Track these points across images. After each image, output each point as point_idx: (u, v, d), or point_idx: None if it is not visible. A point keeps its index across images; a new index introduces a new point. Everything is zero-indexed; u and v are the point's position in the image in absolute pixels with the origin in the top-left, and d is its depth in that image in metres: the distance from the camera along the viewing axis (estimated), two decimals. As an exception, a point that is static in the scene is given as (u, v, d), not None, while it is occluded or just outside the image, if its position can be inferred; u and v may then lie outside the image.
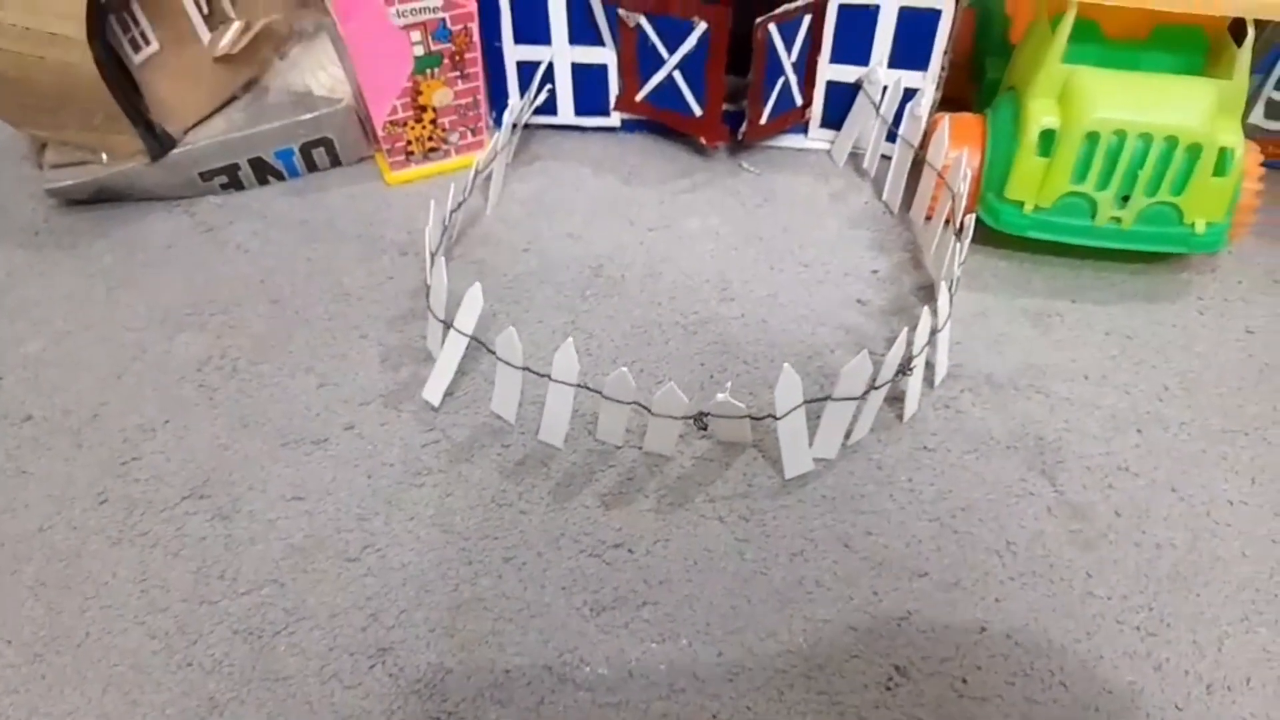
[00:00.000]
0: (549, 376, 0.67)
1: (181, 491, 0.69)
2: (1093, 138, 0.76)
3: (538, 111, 0.99)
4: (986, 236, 0.85)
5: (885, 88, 0.92)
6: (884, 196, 0.93)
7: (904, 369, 0.68)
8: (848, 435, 0.70)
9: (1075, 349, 0.78)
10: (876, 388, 0.66)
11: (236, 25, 0.94)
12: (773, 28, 0.86)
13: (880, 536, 0.66)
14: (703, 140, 0.98)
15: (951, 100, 0.94)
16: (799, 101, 0.96)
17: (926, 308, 0.69)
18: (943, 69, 0.90)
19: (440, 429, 0.73)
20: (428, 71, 0.91)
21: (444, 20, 0.88)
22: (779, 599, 0.62)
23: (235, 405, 0.75)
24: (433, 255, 0.75)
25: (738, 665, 0.59)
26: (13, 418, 0.75)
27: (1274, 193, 0.84)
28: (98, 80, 0.81)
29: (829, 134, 0.99)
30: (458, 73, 0.93)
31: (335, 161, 0.99)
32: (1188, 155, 0.75)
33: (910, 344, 0.67)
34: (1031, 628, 0.60)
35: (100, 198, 0.94)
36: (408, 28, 0.87)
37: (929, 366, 0.74)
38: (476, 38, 0.91)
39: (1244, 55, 0.75)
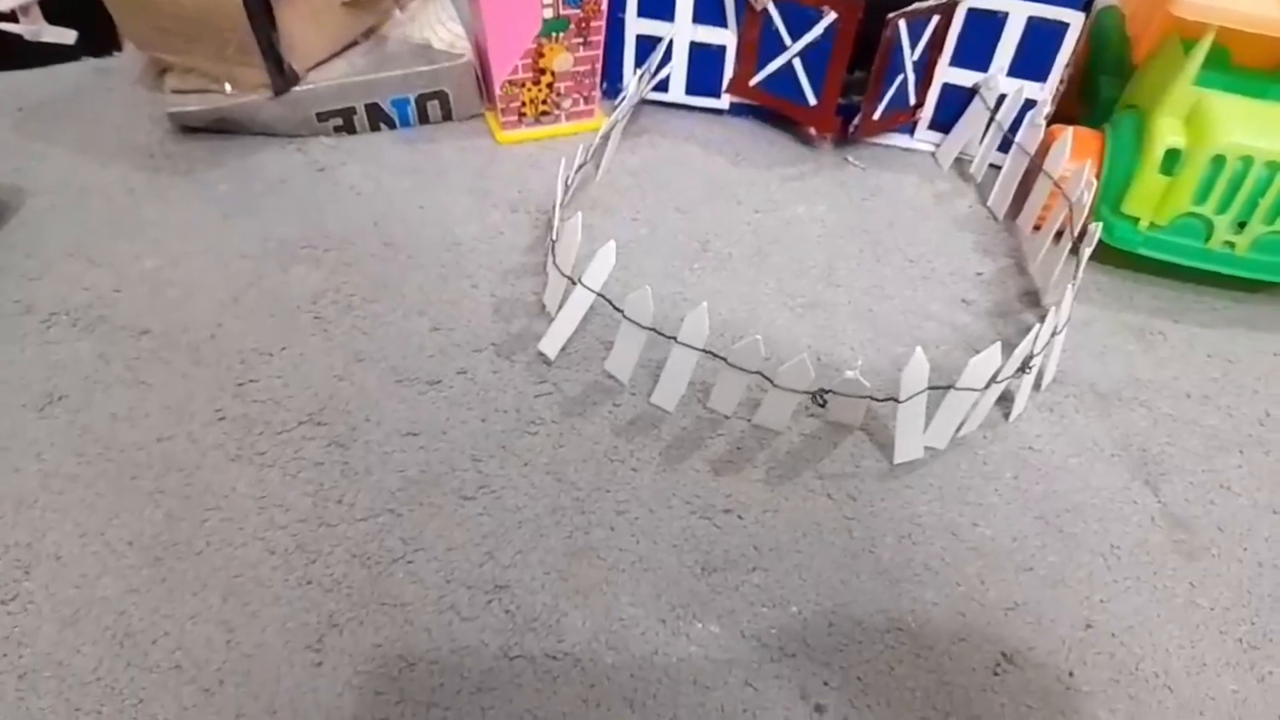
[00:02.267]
0: (675, 339, 0.68)
1: (298, 416, 0.70)
2: (1218, 161, 0.77)
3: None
4: (1091, 251, 0.86)
5: (1003, 95, 0.92)
6: (989, 202, 0.94)
7: (1024, 367, 0.69)
8: (959, 428, 0.70)
9: (1178, 367, 0.79)
10: (998, 381, 0.67)
11: (367, -29, 0.95)
12: (902, 24, 0.87)
13: (986, 528, 0.66)
14: (813, 130, 0.99)
15: (1059, 115, 0.94)
16: (913, 101, 0.97)
17: (1051, 308, 0.70)
18: (1061, 82, 0.91)
19: (552, 382, 0.74)
20: (553, 35, 0.92)
21: (578, -15, 0.89)
22: (887, 578, 0.63)
23: (350, 339, 0.76)
24: (559, 211, 0.76)
25: (847, 637, 0.60)
26: (131, 330, 0.76)
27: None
28: (241, 10, 0.82)
29: (935, 136, 1.00)
30: (581, 39, 0.94)
31: (447, 115, 1.00)
32: (1312, 187, 0.76)
33: (1034, 342, 0.68)
34: (1136, 629, 0.61)
35: (218, 127, 0.95)
36: (542, -11, 0.88)
37: (1038, 371, 0.75)
38: (605, 5, 0.92)
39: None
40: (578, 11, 0.91)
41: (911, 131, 1.01)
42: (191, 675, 0.56)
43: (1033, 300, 0.84)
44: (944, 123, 0.99)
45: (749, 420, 0.72)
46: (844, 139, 0.99)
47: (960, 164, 0.99)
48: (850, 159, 0.99)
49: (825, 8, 0.88)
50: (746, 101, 1.02)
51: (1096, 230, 0.77)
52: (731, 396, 0.70)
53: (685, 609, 0.61)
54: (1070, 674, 0.59)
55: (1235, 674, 0.60)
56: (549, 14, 0.90)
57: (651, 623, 0.60)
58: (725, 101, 1.02)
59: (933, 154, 1.01)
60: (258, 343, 0.75)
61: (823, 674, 0.58)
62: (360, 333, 0.77)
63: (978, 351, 0.75)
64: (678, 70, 1.00)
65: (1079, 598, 0.63)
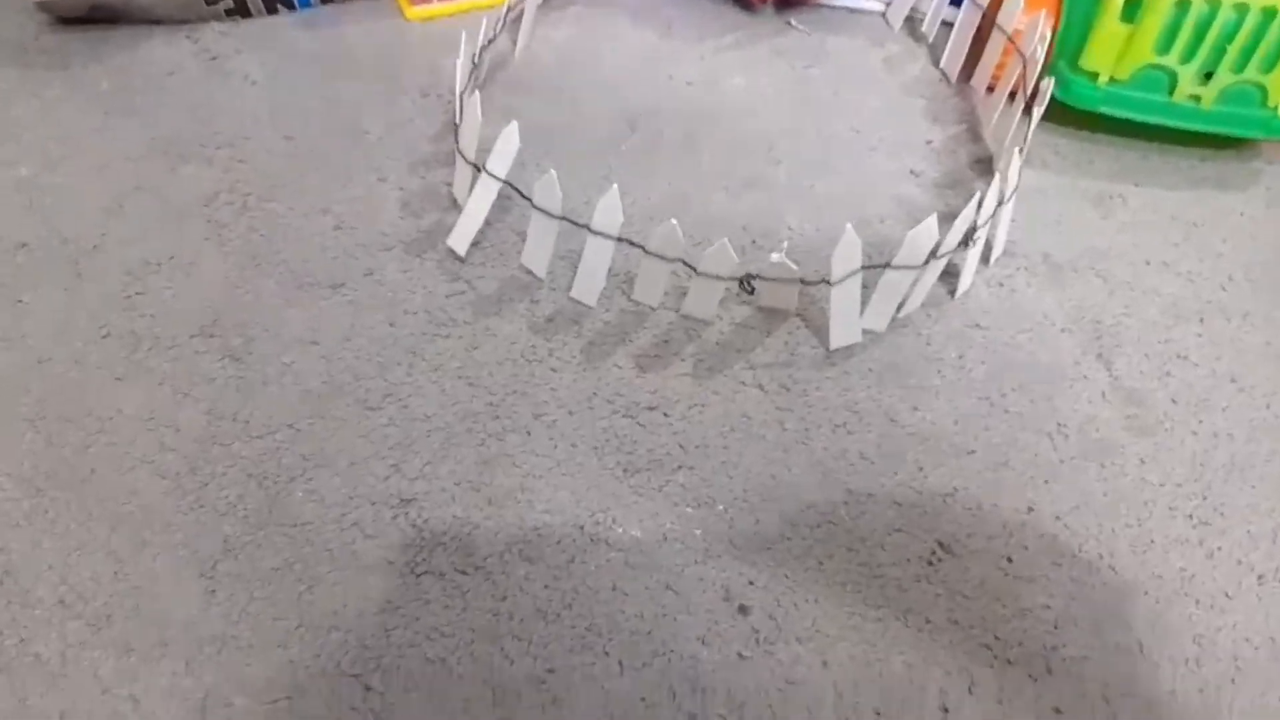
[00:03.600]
0: (589, 228, 0.62)
1: (190, 329, 0.65)
2: (1183, 5, 0.70)
3: (572, -50, 0.92)
4: (1048, 113, 0.79)
5: (954, -58, 0.84)
6: (942, 64, 0.87)
7: (967, 239, 0.64)
8: (899, 308, 0.66)
9: (1138, 233, 0.74)
10: (938, 257, 0.62)
11: None
12: None
13: (927, 413, 0.63)
14: (751, -8, 0.91)
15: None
16: (858, -47, 0.89)
17: (997, 174, 0.64)
18: (1018, -76, 0.83)
19: (466, 280, 0.68)
20: (456, -107, 0.83)
21: None
22: (820, 470, 0.60)
23: (246, 243, 0.70)
24: (462, 94, 0.69)
25: (776, 534, 0.57)
26: (6, 244, 0.70)
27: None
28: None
29: (885, -6, 0.92)
30: (488, -103, 0.85)
31: (350, -7, 0.91)
32: (1285, 27, 0.70)
33: (977, 212, 0.63)
34: (1081, 510, 0.58)
35: (94, 16, 0.86)
36: None
37: (984, 243, 0.70)
38: None
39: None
40: None
41: (859, -11, 0.93)
42: (77, 610, 0.53)
43: (985, 168, 0.78)
44: (893, -22, 0.90)
45: (677, 311, 0.67)
46: (786, 2, 0.91)
47: (912, 23, 0.92)
48: (793, 23, 0.92)
49: None
50: (679, -37, 0.93)
51: (1049, 87, 0.70)
52: (655, 287, 0.65)
53: (605, 514, 0.57)
54: (1009, 559, 0.56)
55: (1183, 551, 0.57)
56: None
57: (568, 530, 0.56)
58: (656, -35, 0.94)
59: (883, 14, 0.93)
60: (145, 252, 0.69)
61: (749, 573, 0.55)
62: (257, 235, 0.71)
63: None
64: (601, -69, 0.91)
65: (1022, 480, 0.60)
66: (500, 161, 0.65)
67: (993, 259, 0.70)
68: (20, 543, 0.55)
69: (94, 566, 0.54)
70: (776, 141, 0.80)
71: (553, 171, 0.61)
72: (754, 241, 0.72)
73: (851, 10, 0.93)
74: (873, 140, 0.80)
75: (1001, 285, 0.70)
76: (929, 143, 0.80)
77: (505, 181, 0.65)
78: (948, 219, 0.66)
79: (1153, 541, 0.57)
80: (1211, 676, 0.52)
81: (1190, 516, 0.58)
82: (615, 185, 0.59)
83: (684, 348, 0.65)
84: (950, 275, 0.69)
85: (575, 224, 0.63)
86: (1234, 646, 0.53)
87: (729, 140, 0.80)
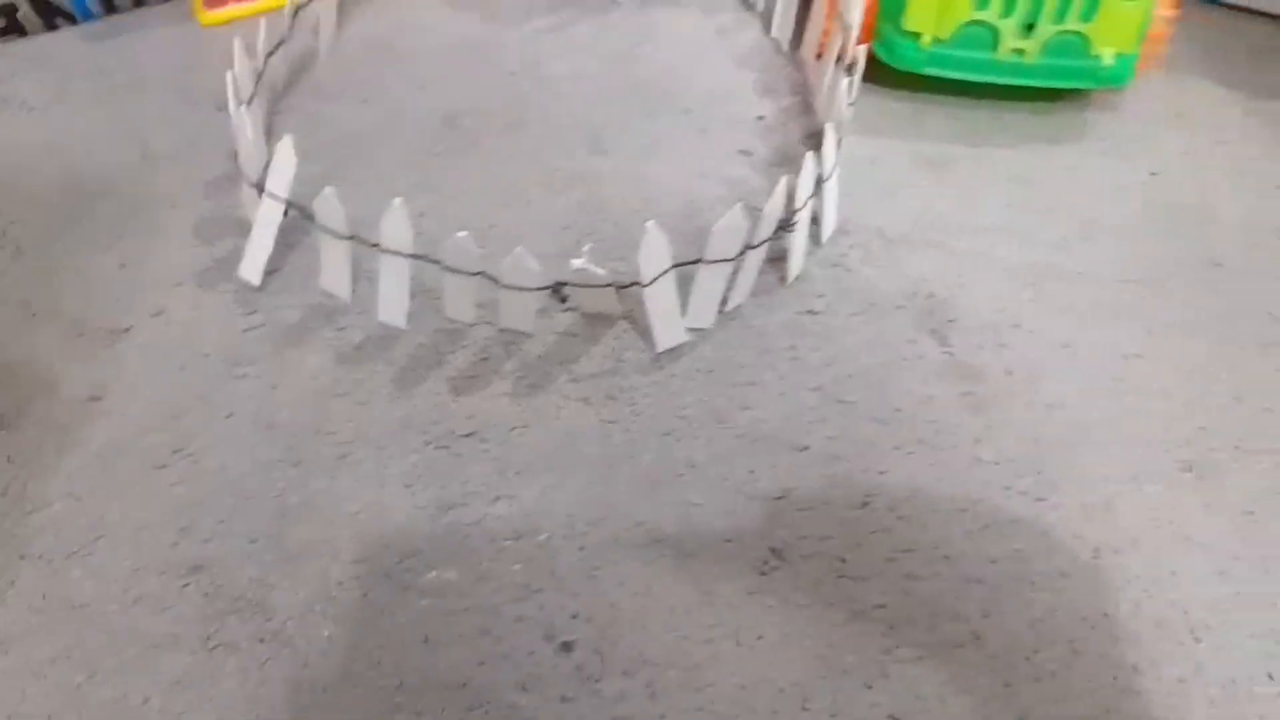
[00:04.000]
0: (378, 246, 0.58)
1: (-47, 396, 0.59)
2: (996, -44, 0.68)
3: (377, -64, 0.86)
4: (881, 76, 0.77)
5: (772, -97, 0.81)
6: (773, 32, 0.83)
7: (785, 225, 0.61)
8: (724, 302, 0.63)
9: (972, 197, 0.72)
10: (754, 247, 0.59)
11: None
12: None
13: (759, 410, 0.60)
14: (569, -31, 0.86)
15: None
16: (677, -79, 0.84)
17: (810, 155, 0.62)
18: (836, -120, 0.79)
19: (264, 311, 0.63)
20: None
21: None
22: (648, 484, 0.57)
23: (20, 291, 0.64)
24: (241, 106, 0.64)
25: (601, 560, 0.54)
26: None
27: (1186, 22, 0.78)
28: None
29: (713, -39, 0.88)
30: (271, -114, 0.78)
31: (139, 0, 0.84)
32: (1098, -26, 0.68)
33: (793, 196, 0.60)
34: (916, 500, 0.56)
35: None
36: None
37: (815, 222, 0.68)
38: None
39: None
40: None
41: (687, -42, 0.89)
42: None
43: (818, 142, 0.75)
44: (719, -56, 0.87)
45: (494, 325, 0.63)
46: (609, -24, 0.87)
47: (743, -9, 0.88)
48: (619, -1, 0.87)
49: None
50: (495, -57, 0.88)
51: (861, 53, 0.68)
52: (464, 302, 0.61)
53: (416, 558, 0.53)
54: (843, 560, 0.54)
55: (1018, 531, 0.55)
56: None
57: (375, 580, 0.52)
58: (471, -54, 0.88)
59: (713, -18, 0.89)
60: (-99, 312, 0.63)
61: (571, 606, 0.52)
62: (34, 281, 0.64)
63: (755, 208, 0.67)
64: (407, -87, 0.85)
65: (856, 473, 0.57)
66: (280, 179, 0.60)
67: (824, 238, 0.68)
68: None
69: None
70: (602, 130, 0.76)
71: (329, 188, 0.56)
72: (578, 241, 0.68)
73: (681, -20, 0.89)
74: (703, 121, 0.77)
75: (835, 265, 0.67)
76: (760, 118, 0.77)
77: (287, 201, 0.60)
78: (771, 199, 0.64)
79: (987, 525, 0.55)
80: (1048, 663, 0.50)
81: (1025, 494, 0.57)
82: (398, 200, 0.55)
83: (503, 364, 0.61)
84: (783, 260, 0.66)
85: (365, 243, 0.58)
86: (1070, 628, 0.52)
87: (552, 132, 0.75)
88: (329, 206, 0.57)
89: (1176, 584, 0.53)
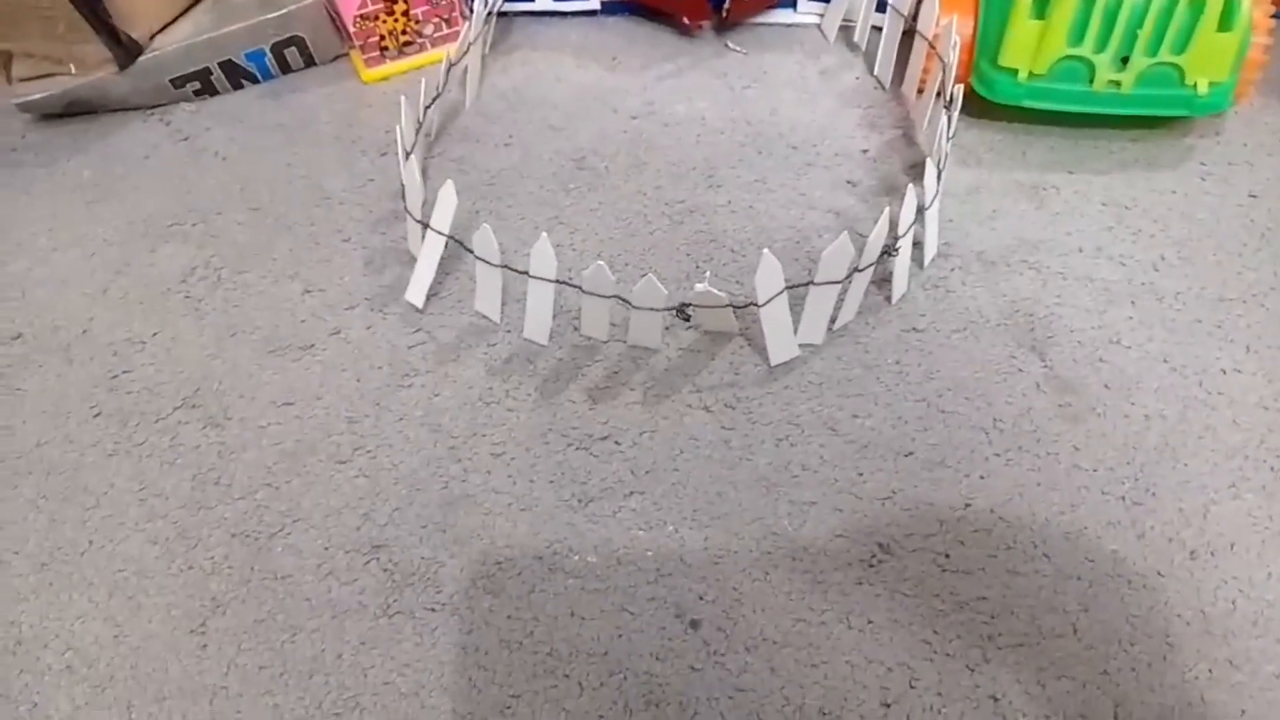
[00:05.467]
0: (527, 273, 0.66)
1: (173, 401, 0.70)
2: (1090, -2, 0.72)
3: (514, -2, 0.96)
4: (983, 109, 0.82)
5: (875, -47, 0.87)
6: (875, 71, 0.89)
7: (889, 250, 0.67)
8: (833, 320, 0.69)
9: (1070, 221, 0.76)
10: (860, 270, 0.65)
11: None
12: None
13: (866, 419, 0.65)
14: (685, 20, 0.94)
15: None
16: (785, -28, 0.91)
17: (911, 186, 0.67)
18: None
19: (426, 330, 0.72)
20: (395, -41, 0.87)
21: (406, -98, 0.84)
22: (764, 484, 0.63)
23: (221, 314, 0.75)
24: (407, 154, 0.74)
25: (723, 549, 0.60)
26: (2, 337, 0.75)
27: (1286, 47, 0.80)
28: (52, -15, 0.78)
29: (819, 6, 0.95)
30: (426, -41, 0.89)
31: (309, 61, 0.96)
32: (1190, 10, 0.71)
33: (895, 224, 0.66)
34: (1016, 502, 0.61)
35: (73, 110, 0.92)
36: (369, -88, 0.83)
37: (918, 246, 0.73)
38: (443, -80, 0.87)
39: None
40: (415, -70, 0.86)
41: (794, 5, 0.96)
42: (83, 674, 0.57)
43: (920, 172, 0.80)
44: (825, -10, 0.93)
45: (625, 341, 0.70)
46: (722, 24, 0.94)
47: (847, 33, 0.94)
48: (730, 44, 0.95)
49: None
50: (618, -1, 0.97)
51: (959, 90, 0.73)
52: (599, 322, 0.69)
53: (562, 543, 0.61)
54: (946, 555, 0.59)
55: (1115, 533, 0.59)
56: (385, -62, 0.85)
57: (528, 562, 0.60)
58: (596, 2, 0.97)
59: (818, 25, 0.96)
60: (129, 332, 0.74)
61: (698, 589, 0.58)
62: (231, 306, 0.75)
63: (861, 235, 0.73)
64: (540, -24, 0.95)
65: (958, 477, 0.62)
66: (442, 217, 0.69)
67: (926, 262, 0.73)
68: (29, 615, 0.60)
69: (96, 631, 0.59)
70: (716, 166, 0.83)
71: (486, 225, 0.65)
72: (698, 266, 0.75)
73: (788, 26, 0.96)
74: (810, 155, 0.83)
75: (937, 287, 0.72)
76: (865, 152, 0.83)
77: (449, 236, 0.69)
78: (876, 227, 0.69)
79: (1085, 527, 0.59)
80: (1144, 654, 0.54)
81: (1123, 499, 0.60)
82: (545, 234, 0.63)
83: (633, 376, 0.69)
84: (888, 282, 0.71)
85: (515, 270, 0.66)
86: (1165, 624, 0.55)
87: (671, 169, 0.83)
88: (485, 239, 0.65)
89: (1273, 586, 0.56)
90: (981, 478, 0.62)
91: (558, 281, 0.65)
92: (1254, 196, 0.76)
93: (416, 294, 0.72)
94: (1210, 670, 0.53)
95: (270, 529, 0.63)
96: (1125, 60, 0.75)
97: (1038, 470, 0.62)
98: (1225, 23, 0.72)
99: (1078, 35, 0.74)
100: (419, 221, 0.71)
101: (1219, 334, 0.68)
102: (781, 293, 0.63)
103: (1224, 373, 0.66)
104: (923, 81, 0.83)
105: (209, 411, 0.69)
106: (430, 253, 0.71)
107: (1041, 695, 0.53)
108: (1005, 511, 0.60)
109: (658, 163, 0.84)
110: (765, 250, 0.61)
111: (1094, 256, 0.74)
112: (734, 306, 0.65)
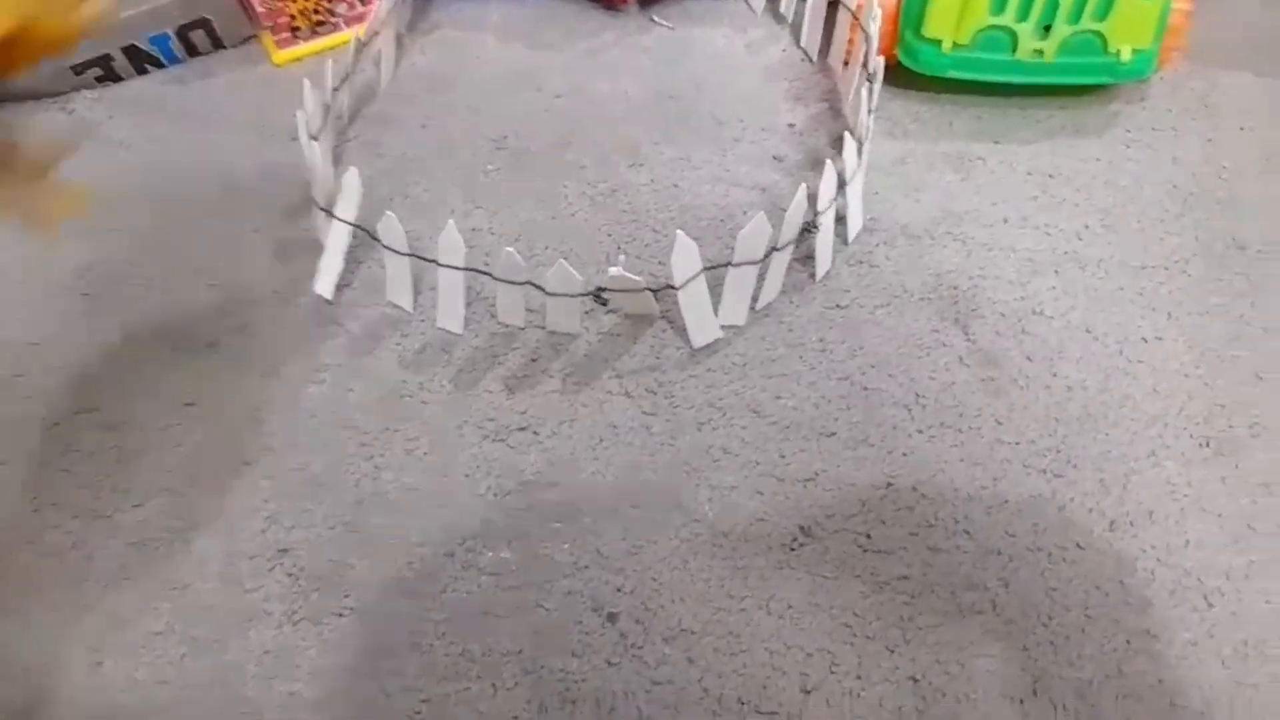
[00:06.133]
0: (436, 261, 0.63)
1: (71, 406, 0.66)
2: (1009, -37, 0.71)
3: (429, -26, 0.92)
4: (909, 80, 0.81)
5: (796, -78, 0.85)
6: (802, 43, 0.87)
7: (809, 227, 0.65)
8: (756, 300, 0.67)
9: (996, 192, 0.75)
10: (779, 249, 0.64)
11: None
12: None
13: (789, 400, 0.64)
14: (608, -5, 0.91)
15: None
16: (707, -56, 0.89)
17: (830, 161, 0.66)
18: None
19: (337, 322, 0.70)
20: (299, -65, 0.84)
21: (307, -125, 0.80)
22: (685, 470, 0.61)
23: (122, 312, 0.71)
24: (312, 138, 0.71)
25: (642, 539, 0.58)
26: (-110, 342, 0.71)
27: (1206, 9, 0.79)
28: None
29: (744, -21, 0.93)
30: (333, -65, 0.85)
31: (218, 44, 0.92)
32: (1110, -26, 0.70)
33: (817, 201, 0.64)
34: (938, 479, 0.60)
35: (-34, 101, 0.87)
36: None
37: (842, 221, 0.71)
38: (348, -107, 0.83)
39: None
40: (318, -95, 0.83)
41: (719, -23, 0.93)
42: (-26, 696, 0.55)
43: (845, 145, 0.79)
44: (749, -38, 0.91)
45: (544, 327, 0.68)
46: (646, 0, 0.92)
47: (774, 5, 0.92)
48: (656, 19, 0.92)
49: None
50: (538, -26, 0.94)
51: (881, 63, 0.71)
52: (515, 308, 0.66)
53: (476, 540, 0.59)
54: (868, 536, 0.58)
55: (1037, 506, 0.58)
56: (286, -87, 0.82)
57: (441, 560, 0.58)
58: (516, -22, 0.94)
59: (744, -1, 0.94)
60: (24, 334, 0.71)
61: (616, 581, 0.57)
62: (132, 303, 0.72)
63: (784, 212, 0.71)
64: (456, -49, 0.92)
65: (880, 455, 0.61)
66: (347, 205, 0.66)
67: (851, 237, 0.72)
68: (-86, 637, 0.57)
69: (-14, 652, 0.56)
70: (640, 144, 0.81)
71: (389, 213, 0.62)
72: (619, 248, 0.73)
73: (714, -1, 0.94)
74: (735, 130, 0.81)
75: (861, 262, 0.71)
76: (791, 126, 0.81)
77: (354, 224, 0.67)
78: (813, 199, 0.68)
79: (1007, 501, 0.59)
80: (1063, 628, 0.54)
81: (1044, 472, 0.60)
82: (451, 221, 0.61)
83: (552, 364, 0.67)
84: (812, 259, 0.70)
85: (424, 259, 0.64)
86: (1085, 596, 0.54)
87: (594, 148, 0.81)
88: (390, 227, 0.63)
89: (1191, 554, 0.55)
90: (904, 455, 0.61)
91: (468, 269, 0.63)
92: (1177, 162, 0.76)
93: (325, 285, 0.69)
94: (1129, 641, 0.53)
95: (171, 536, 0.60)
96: (1048, 29, 0.74)
97: (960, 445, 0.61)
98: (1144, -13, 0.71)
99: (1000, 4, 0.73)
100: (323, 210, 0.68)
101: (1140, 301, 0.67)
102: (699, 274, 0.62)
103: (1145, 341, 0.65)
104: (849, 53, 0.81)
105: (108, 415, 0.66)
106: (337, 242, 0.69)
107: (961, 674, 0.52)
108: (927, 489, 0.59)
109: (581, 142, 0.82)
110: (679, 232, 0.59)
111: (1019, 226, 0.73)
112: (651, 290, 0.64)
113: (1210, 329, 0.65)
